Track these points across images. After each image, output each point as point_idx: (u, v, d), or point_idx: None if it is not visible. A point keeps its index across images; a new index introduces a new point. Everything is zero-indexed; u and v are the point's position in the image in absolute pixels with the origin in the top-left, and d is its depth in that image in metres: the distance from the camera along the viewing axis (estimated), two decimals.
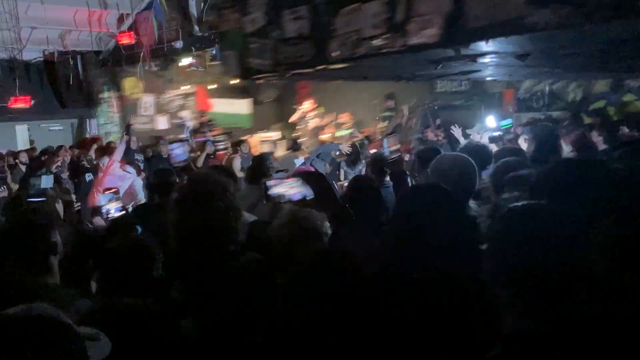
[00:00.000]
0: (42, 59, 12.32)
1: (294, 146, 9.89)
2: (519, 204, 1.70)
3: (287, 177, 2.36)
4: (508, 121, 8.41)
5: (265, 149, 11.27)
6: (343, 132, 13.20)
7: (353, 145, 8.65)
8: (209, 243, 2.30)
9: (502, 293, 1.56)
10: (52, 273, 2.57)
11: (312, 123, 13.15)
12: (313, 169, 3.09)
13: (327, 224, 2.28)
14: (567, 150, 5.40)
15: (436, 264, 1.97)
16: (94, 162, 9.12)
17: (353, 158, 8.17)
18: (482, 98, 13.03)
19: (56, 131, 13.34)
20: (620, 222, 1.69)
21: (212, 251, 2.29)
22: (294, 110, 14.15)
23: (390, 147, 3.29)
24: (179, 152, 9.84)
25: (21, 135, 13.18)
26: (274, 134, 13.21)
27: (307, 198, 2.32)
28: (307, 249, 2.16)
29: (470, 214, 3.13)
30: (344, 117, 13.49)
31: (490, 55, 5.28)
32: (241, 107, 14.86)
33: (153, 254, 2.43)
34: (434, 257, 2.00)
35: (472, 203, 3.40)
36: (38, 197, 4.24)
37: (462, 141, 6.85)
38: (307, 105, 13.43)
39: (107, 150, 9.40)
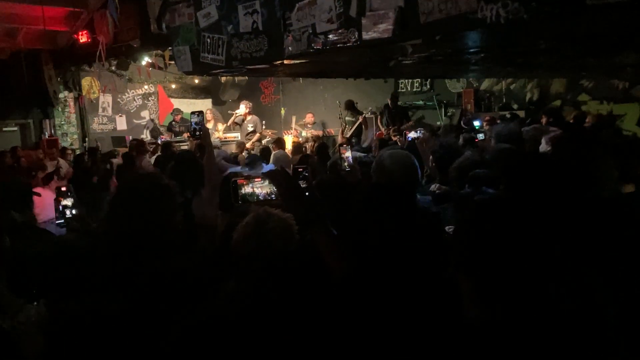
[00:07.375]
0: None
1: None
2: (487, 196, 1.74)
3: (257, 177, 2.27)
4: (478, 121, 8.46)
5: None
6: (306, 133, 13.18)
7: (321, 146, 8.49)
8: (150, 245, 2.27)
9: (465, 282, 1.56)
10: None
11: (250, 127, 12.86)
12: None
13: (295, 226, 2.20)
14: (546, 148, 5.38)
15: (398, 260, 1.98)
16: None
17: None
18: (442, 98, 13.17)
19: (9, 132, 12.87)
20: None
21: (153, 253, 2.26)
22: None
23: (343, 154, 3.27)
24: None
25: None
26: (236, 134, 13.05)
27: (274, 198, 2.24)
28: (273, 250, 2.11)
29: (425, 208, 3.16)
30: (308, 118, 13.45)
31: (444, 52, 5.32)
32: (202, 107, 14.69)
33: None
34: (396, 253, 2.02)
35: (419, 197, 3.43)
36: None
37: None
38: (242, 108, 13.12)
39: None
